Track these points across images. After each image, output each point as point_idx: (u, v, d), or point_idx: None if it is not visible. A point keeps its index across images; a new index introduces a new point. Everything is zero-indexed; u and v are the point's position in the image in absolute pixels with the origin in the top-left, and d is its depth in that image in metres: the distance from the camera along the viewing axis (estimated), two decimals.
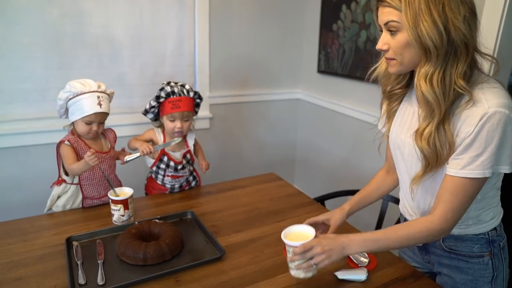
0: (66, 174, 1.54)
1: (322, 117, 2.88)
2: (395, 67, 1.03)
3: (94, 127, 1.51)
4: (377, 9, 1.01)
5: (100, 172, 1.54)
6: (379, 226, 1.77)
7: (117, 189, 1.47)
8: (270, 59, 2.88)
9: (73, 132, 1.54)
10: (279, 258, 1.29)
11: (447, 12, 0.89)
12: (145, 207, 1.61)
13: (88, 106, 1.46)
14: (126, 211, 1.44)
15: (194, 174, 1.82)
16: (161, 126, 1.70)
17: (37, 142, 2.23)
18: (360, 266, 1.23)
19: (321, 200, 1.84)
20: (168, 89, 1.59)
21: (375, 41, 2.26)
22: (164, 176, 1.71)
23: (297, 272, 1.07)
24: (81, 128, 1.50)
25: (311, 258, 1.03)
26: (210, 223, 1.47)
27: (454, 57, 0.93)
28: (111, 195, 1.43)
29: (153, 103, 1.62)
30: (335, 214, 1.27)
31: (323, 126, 2.90)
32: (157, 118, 1.68)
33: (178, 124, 1.64)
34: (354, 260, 1.26)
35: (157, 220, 1.39)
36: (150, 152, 1.58)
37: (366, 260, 1.25)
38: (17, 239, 1.35)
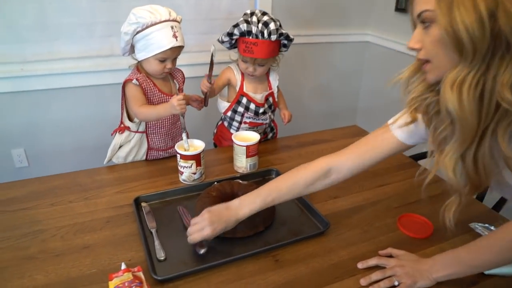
0: (130, 119, 1.30)
1: (395, 64, 2.50)
2: (432, 74, 0.74)
3: (169, 64, 1.25)
4: None
5: (179, 120, 1.29)
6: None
7: (185, 142, 1.22)
8: None
9: (139, 69, 1.28)
10: (395, 235, 1.03)
11: None
12: (215, 162, 1.37)
13: (161, 39, 1.18)
14: (198, 168, 1.20)
15: (272, 124, 1.55)
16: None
17: (84, 83, 2.00)
18: None
19: (417, 159, 1.54)
20: (244, 27, 1.27)
21: None
22: (240, 123, 1.44)
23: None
24: (153, 66, 1.24)
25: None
26: None
27: (500, 58, 0.63)
28: (179, 149, 1.19)
29: (225, 38, 1.32)
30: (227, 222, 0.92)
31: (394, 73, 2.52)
32: (234, 46, 1.38)
33: (250, 68, 1.34)
34: None
35: (240, 181, 1.15)
36: (207, 84, 1.29)
37: None
38: (78, 196, 1.15)
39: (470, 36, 0.62)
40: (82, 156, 2.07)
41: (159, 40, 1.17)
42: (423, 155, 1.56)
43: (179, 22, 1.24)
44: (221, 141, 1.52)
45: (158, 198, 1.13)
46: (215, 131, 1.57)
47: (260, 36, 1.27)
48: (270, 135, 1.54)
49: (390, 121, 0.96)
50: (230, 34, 1.28)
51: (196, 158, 1.18)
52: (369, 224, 1.07)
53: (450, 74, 0.68)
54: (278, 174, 1.27)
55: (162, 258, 0.90)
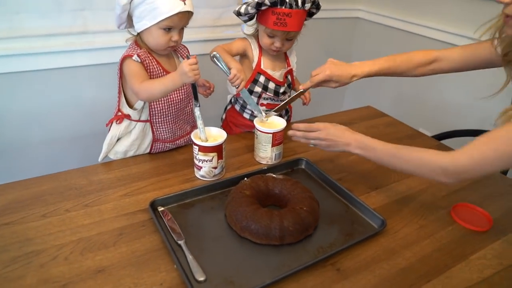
0: (130, 106, 1.08)
1: (388, 40, 2.39)
2: None
3: (175, 35, 1.03)
4: None
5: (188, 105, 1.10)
6: None
7: (202, 131, 1.03)
8: None
9: (139, 44, 1.05)
10: (455, 229, 0.92)
11: None
12: (232, 153, 1.17)
13: (167, 3, 0.96)
14: (219, 161, 1.02)
15: (287, 106, 1.37)
16: (257, 33, 1.22)
17: (54, 65, 1.72)
18: None
19: (440, 138, 1.45)
20: None
21: None
22: (256, 105, 1.25)
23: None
24: (157, 38, 1.01)
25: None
26: (334, 175, 1.06)
27: None
28: (197, 139, 1.00)
29: (251, 10, 1.11)
30: (343, 79, 1.08)
31: (387, 51, 2.40)
32: (252, 18, 1.18)
33: (277, 43, 1.16)
34: None
35: (274, 175, 0.98)
36: (237, 85, 1.12)
37: None
38: (75, 202, 0.93)
39: None
40: (56, 151, 1.80)
41: (163, 4, 0.96)
42: (447, 135, 1.47)
43: None
44: (231, 128, 1.33)
45: (177, 201, 0.94)
46: (223, 116, 1.37)
47: (294, 5, 1.08)
48: (285, 118, 1.37)
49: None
50: (259, 4, 1.08)
51: (218, 150, 1.00)
52: (423, 218, 0.95)
53: None
54: (308, 164, 1.11)
55: (203, 279, 0.73)
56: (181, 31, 1.05)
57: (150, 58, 1.04)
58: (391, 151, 0.89)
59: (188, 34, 1.17)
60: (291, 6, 1.07)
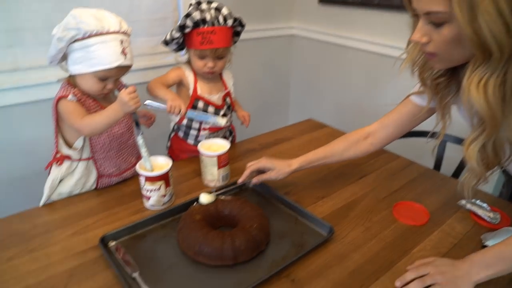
0: (68, 145, 1.06)
1: (323, 55, 2.53)
2: (440, 64, 0.78)
3: (110, 84, 1.02)
4: None
5: (131, 137, 1.09)
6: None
7: (146, 160, 1.02)
8: None
9: (71, 84, 1.04)
10: (397, 227, 0.98)
11: None
12: (180, 179, 1.18)
13: (107, 55, 0.95)
14: (167, 189, 1.03)
15: (230, 127, 1.40)
16: (190, 61, 1.24)
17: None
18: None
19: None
20: (197, 15, 1.12)
21: None
22: (199, 130, 1.27)
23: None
24: (91, 84, 1.01)
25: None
26: (280, 190, 1.10)
27: None
28: (142, 170, 1.00)
29: (176, 34, 1.14)
30: (279, 167, 1.05)
31: (324, 64, 2.55)
32: (182, 47, 1.21)
33: (209, 63, 1.19)
34: (484, 217, 1.00)
35: (222, 197, 0.99)
36: (178, 114, 1.13)
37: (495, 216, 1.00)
38: (18, 249, 0.89)
39: (497, 43, 0.62)
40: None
41: (103, 55, 0.95)
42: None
43: (129, 36, 1.03)
44: (178, 155, 1.34)
45: (128, 233, 0.93)
46: (168, 144, 1.37)
47: (216, 23, 1.13)
48: (229, 139, 1.40)
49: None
50: (182, 27, 1.12)
51: (165, 177, 1.00)
52: (368, 220, 1.01)
53: (472, 73, 0.68)
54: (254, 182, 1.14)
55: None
56: (116, 80, 1.05)
57: (86, 97, 1.03)
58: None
59: None
60: (213, 24, 1.13)
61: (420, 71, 0.85)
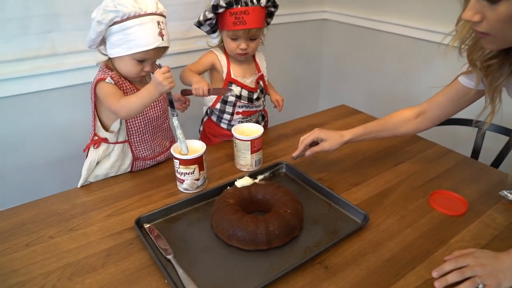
0: (105, 129, 1.08)
1: (355, 39, 2.45)
2: (493, 44, 0.73)
3: (147, 66, 1.03)
4: None
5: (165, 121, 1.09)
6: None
7: (182, 142, 1.02)
8: None
9: (109, 67, 1.05)
10: (434, 216, 0.95)
11: None
12: (213, 163, 1.18)
13: (144, 36, 0.96)
14: (201, 173, 1.03)
15: (263, 112, 1.39)
16: (222, 43, 1.24)
17: (23, 90, 1.69)
18: None
19: None
20: None
21: None
22: (232, 114, 1.27)
23: None
24: (129, 67, 1.02)
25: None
26: (314, 176, 1.09)
27: None
28: (176, 153, 1.01)
29: (209, 15, 1.14)
30: (332, 138, 1.08)
31: (355, 49, 2.47)
32: (215, 29, 1.21)
33: (242, 44, 1.18)
34: None
35: (256, 181, 0.99)
36: (203, 96, 1.14)
37: None
38: (59, 228, 0.92)
39: None
40: (33, 177, 1.76)
41: (141, 37, 0.96)
42: None
43: (165, 17, 1.03)
44: (210, 139, 1.34)
45: (162, 216, 0.94)
46: (201, 128, 1.38)
47: (249, 3, 1.12)
48: (262, 124, 1.39)
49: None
50: (215, 7, 1.11)
51: (199, 161, 1.01)
52: (403, 208, 0.98)
53: None
54: (288, 167, 1.13)
55: None
56: (153, 62, 1.06)
57: (123, 80, 1.05)
58: None
59: None
60: (246, 4, 1.11)
61: (470, 51, 0.81)
